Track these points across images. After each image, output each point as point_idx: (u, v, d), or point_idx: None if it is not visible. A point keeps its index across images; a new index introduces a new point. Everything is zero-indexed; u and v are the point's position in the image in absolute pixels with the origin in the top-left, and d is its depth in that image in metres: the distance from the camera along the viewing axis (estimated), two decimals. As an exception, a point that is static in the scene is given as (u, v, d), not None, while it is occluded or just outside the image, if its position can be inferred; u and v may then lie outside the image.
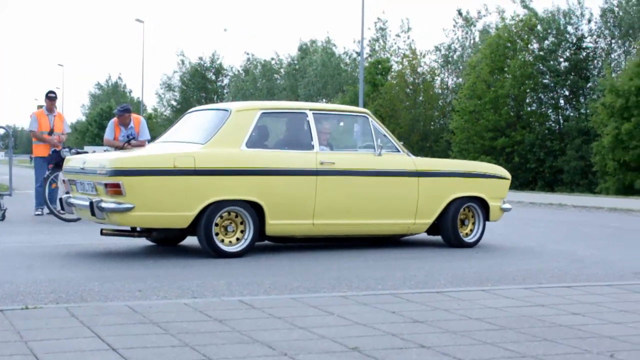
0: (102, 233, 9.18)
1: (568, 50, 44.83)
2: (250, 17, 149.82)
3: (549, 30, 44.55)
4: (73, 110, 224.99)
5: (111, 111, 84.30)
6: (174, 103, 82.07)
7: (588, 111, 42.33)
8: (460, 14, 54.04)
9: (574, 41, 44.76)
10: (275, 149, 9.21)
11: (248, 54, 76.18)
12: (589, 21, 45.55)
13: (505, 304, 5.69)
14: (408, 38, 56.58)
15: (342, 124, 10.32)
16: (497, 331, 4.83)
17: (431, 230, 10.09)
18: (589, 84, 43.90)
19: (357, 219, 9.42)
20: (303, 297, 5.89)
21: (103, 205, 8.21)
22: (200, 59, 79.90)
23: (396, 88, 50.62)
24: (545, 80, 44.70)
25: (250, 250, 8.64)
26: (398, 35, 56.91)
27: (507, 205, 10.61)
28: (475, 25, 54.17)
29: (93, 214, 8.39)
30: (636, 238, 12.65)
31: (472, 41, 54.11)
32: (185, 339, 4.47)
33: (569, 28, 45.07)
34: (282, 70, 70.99)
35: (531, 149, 42.57)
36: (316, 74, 61.64)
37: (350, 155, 9.73)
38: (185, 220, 8.38)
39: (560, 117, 45.85)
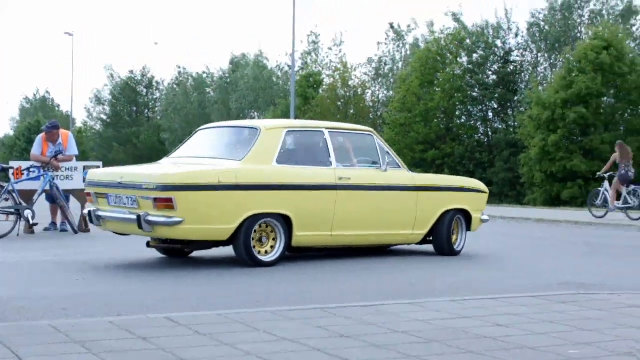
0: (148, 245, 9.96)
1: (496, 64, 45.55)
2: (181, 31, 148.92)
3: (478, 44, 45.24)
4: (1, 124, 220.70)
5: (39, 125, 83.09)
6: (104, 117, 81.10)
7: (516, 124, 43.06)
8: (392, 27, 54.49)
9: (502, 55, 45.51)
10: (299, 165, 9.85)
11: (179, 67, 75.56)
12: (517, 35, 46.41)
13: (432, 317, 5.73)
14: (340, 51, 56.85)
15: (351, 141, 10.83)
16: (423, 344, 4.86)
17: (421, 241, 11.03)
18: (517, 97, 44.66)
19: (368, 230, 10.28)
20: (230, 313, 5.84)
21: (151, 218, 8.66)
22: (131, 72, 79.11)
23: (327, 101, 50.80)
24: (474, 94, 45.34)
25: (280, 260, 9.29)
26: (330, 49, 57.16)
27: (485, 217, 11.69)
28: (405, 39, 54.68)
29: (140, 227, 8.74)
30: (562, 249, 12.88)
31: (403, 54, 54.59)
32: (108, 358, 4.41)
33: (497, 42, 45.82)
34: (213, 83, 70.68)
35: (461, 161, 43.11)
36: (248, 87, 61.54)
37: (362, 171, 10.45)
38: (227, 233, 8.97)
39: (489, 130, 46.55)
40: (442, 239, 10.89)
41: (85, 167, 14.46)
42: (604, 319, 5.75)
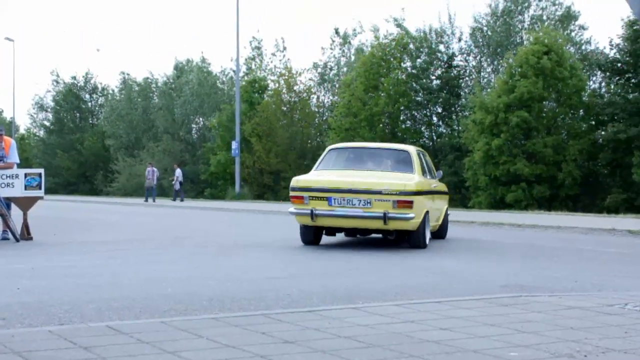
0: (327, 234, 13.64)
1: (440, 69, 45.96)
2: (124, 36, 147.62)
3: (421, 49, 45.58)
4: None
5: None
6: (47, 124, 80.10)
7: (460, 128, 43.46)
8: (337, 32, 54.64)
9: (446, 59, 45.91)
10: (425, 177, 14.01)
11: (123, 73, 74.95)
12: (460, 40, 46.86)
13: (375, 321, 5.74)
14: (284, 57, 56.88)
15: (426, 157, 15.24)
16: (366, 349, 4.86)
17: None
18: (460, 101, 45.09)
19: (433, 222, 13.94)
20: (173, 320, 5.80)
21: (392, 215, 12.12)
22: (74, 78, 78.24)
23: (272, 106, 50.79)
24: (419, 98, 45.69)
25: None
26: (274, 54, 57.17)
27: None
28: (350, 44, 54.86)
29: (385, 222, 12.14)
30: (506, 251, 13.00)
31: (348, 59, 54.78)
32: (49, 369, 4.34)
33: (441, 47, 46.22)
34: (157, 89, 70.18)
35: (406, 164, 43.41)
36: (192, 92, 61.24)
37: (434, 180, 14.68)
38: (423, 224, 12.79)
39: (433, 134, 46.94)
40: (443, 231, 15.26)
41: (26, 175, 14.29)
42: (545, 321, 5.82)
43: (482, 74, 47.66)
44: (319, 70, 55.25)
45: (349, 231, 13.32)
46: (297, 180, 12.88)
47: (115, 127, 68.98)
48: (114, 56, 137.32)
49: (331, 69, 55.42)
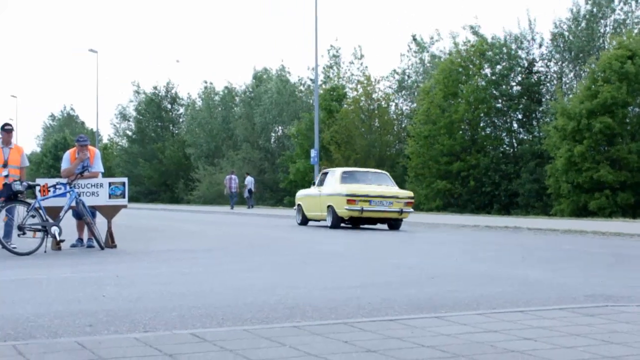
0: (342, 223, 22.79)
1: (520, 75, 45.38)
2: (204, 47, 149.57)
3: (501, 55, 45.07)
4: (27, 141, 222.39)
5: (66, 142, 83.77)
6: (129, 133, 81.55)
7: (541, 134, 42.82)
8: (414, 39, 54.46)
9: (526, 65, 45.32)
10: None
11: (206, 82, 75.89)
12: (540, 45, 46.19)
13: (458, 331, 5.68)
14: (362, 65, 56.91)
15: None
16: (449, 359, 4.82)
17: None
18: (542, 108, 44.44)
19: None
20: (255, 328, 5.83)
21: (405, 210, 21.85)
22: (155, 88, 79.55)
23: (351, 114, 50.81)
24: (499, 105, 45.19)
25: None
26: (352, 62, 57.24)
27: None
28: (428, 51, 54.59)
29: (400, 214, 21.85)
30: (589, 260, 12.77)
31: (425, 67, 54.52)
32: (135, 375, 4.40)
33: (521, 53, 45.65)
34: (237, 98, 70.84)
35: (486, 172, 42.93)
36: (271, 101, 61.64)
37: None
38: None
39: (514, 141, 46.35)
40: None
41: (110, 184, 14.56)
42: (633, 332, 5.68)
43: (563, 79, 46.89)
44: (397, 77, 55.11)
45: (375, 221, 22.65)
46: (348, 191, 21.89)
47: (196, 135, 69.83)
48: (194, 66, 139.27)
49: (409, 76, 55.24)
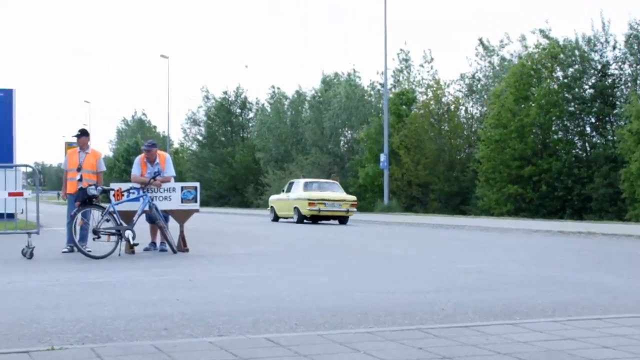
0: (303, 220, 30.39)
1: (593, 77, 44.60)
2: (273, 53, 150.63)
3: (573, 58, 44.37)
4: (101, 146, 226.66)
5: (138, 146, 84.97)
6: (200, 138, 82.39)
7: (615, 138, 42.02)
8: (481, 43, 53.99)
9: (599, 68, 44.53)
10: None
11: (273, 87, 76.23)
12: (614, 48, 45.30)
13: (534, 338, 5.60)
14: (431, 68, 56.61)
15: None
16: (527, 366, 4.75)
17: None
18: (615, 111, 43.60)
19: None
20: (329, 333, 5.82)
21: (350, 209, 29.60)
22: (225, 93, 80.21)
23: (421, 118, 50.57)
24: (571, 108, 44.46)
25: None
26: (422, 66, 57.00)
27: None
28: (497, 54, 54.05)
29: (347, 212, 29.61)
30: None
31: (495, 70, 53.97)
32: (211, 379, 4.43)
33: (594, 55, 44.86)
34: (306, 102, 71.04)
35: (558, 176, 42.29)
36: (340, 105, 61.64)
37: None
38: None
39: (587, 145, 45.53)
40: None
41: (183, 188, 14.73)
42: None
43: (638, 82, 45.95)
44: (467, 81, 54.69)
45: (329, 218, 30.11)
46: (308, 197, 29.56)
47: (265, 140, 70.20)
48: (263, 71, 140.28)
49: (479, 80, 54.78)
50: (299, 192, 30.33)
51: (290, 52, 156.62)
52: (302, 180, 31.92)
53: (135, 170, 14.85)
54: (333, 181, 33.48)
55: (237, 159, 74.53)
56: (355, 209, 30.20)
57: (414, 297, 8.27)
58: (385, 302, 7.85)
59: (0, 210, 18.14)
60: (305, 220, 29.98)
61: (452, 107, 51.81)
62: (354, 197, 30.88)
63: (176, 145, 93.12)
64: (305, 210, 29.38)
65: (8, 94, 28.09)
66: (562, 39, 45.31)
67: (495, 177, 43.74)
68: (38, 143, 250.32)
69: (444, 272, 10.95)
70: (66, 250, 14.22)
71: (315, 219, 30.00)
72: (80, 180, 14.25)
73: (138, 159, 15.03)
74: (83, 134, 14.93)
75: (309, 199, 29.26)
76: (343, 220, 29.80)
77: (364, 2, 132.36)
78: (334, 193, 30.35)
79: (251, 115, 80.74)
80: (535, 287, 9.23)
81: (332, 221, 30.44)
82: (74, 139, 15.45)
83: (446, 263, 12.52)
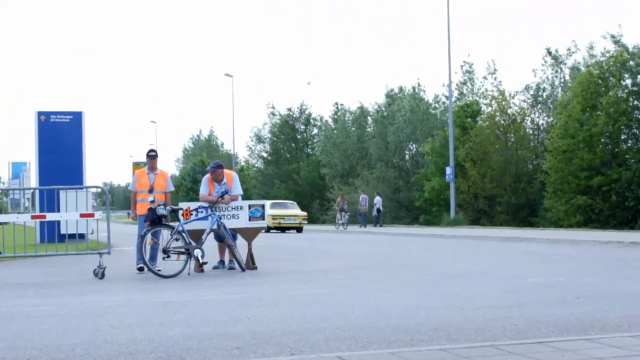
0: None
1: (663, 84, 43.74)
2: (335, 69, 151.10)
3: (643, 65, 43.57)
4: (167, 165, 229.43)
5: (203, 165, 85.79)
6: (265, 155, 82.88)
7: (686, 145, 41.15)
8: (549, 53, 53.35)
9: (670, 74, 43.66)
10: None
11: (337, 103, 76.37)
12: (685, 54, 44.38)
13: (612, 354, 5.49)
14: (495, 79, 56.15)
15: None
16: (605, 384, 4.66)
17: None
18: (687, 118, 42.69)
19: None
20: (401, 351, 5.79)
21: (303, 222, 41.80)
22: (289, 110, 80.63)
23: (486, 130, 50.16)
24: (640, 116, 43.66)
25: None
26: (485, 78, 56.58)
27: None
28: (565, 64, 53.37)
29: (300, 224, 41.57)
30: None
31: (562, 80, 53.30)
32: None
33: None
34: (369, 117, 71.01)
35: (629, 186, 41.49)
36: (405, 119, 61.48)
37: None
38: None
39: (658, 153, 44.63)
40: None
41: (250, 206, 14.81)
42: None
43: None
44: (532, 92, 54.09)
45: (289, 229, 41.01)
46: (272, 213, 39.62)
47: (330, 156, 70.30)
48: (326, 87, 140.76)
49: (544, 90, 54.14)
50: (267, 210, 36.76)
51: (353, 67, 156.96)
52: (270, 202, 42.40)
53: (203, 190, 14.97)
54: (291, 202, 46.95)
55: (302, 175, 74.78)
56: (306, 222, 42.75)
57: (485, 312, 8.17)
58: (456, 318, 7.78)
59: (71, 231, 18.47)
60: (271, 230, 40.62)
61: (517, 118, 51.30)
62: (304, 213, 43.21)
63: (242, 162, 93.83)
64: (270, 223, 39.71)
65: (77, 116, 28.64)
66: (632, 46, 44.56)
67: (564, 188, 43.11)
68: (105, 163, 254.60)
69: (514, 286, 10.80)
70: (139, 269, 14.33)
71: (278, 229, 41.33)
72: (153, 201, 14.42)
73: (205, 179, 15.16)
74: (152, 155, 15.11)
75: (273, 215, 40.30)
76: (299, 230, 41.47)
77: (425, 16, 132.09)
78: (291, 210, 42.66)
79: (315, 131, 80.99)
80: (610, 300, 9.06)
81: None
82: (142, 159, 15.64)
83: (516, 277, 12.36)
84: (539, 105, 53.86)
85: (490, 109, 52.69)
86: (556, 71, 53.79)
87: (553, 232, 23.70)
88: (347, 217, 47.09)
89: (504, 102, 51.40)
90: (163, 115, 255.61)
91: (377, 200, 49.85)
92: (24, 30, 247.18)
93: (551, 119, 50.58)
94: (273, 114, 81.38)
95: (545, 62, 53.63)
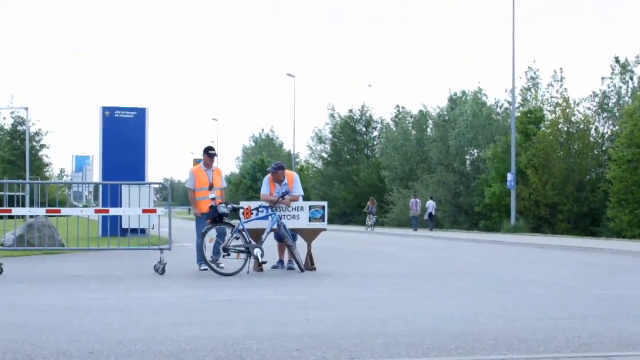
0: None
1: None
2: (398, 72, 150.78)
3: None
4: (228, 163, 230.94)
5: (263, 164, 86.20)
6: (325, 155, 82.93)
7: None
8: (617, 61, 52.51)
9: None
10: None
11: (398, 107, 76.10)
12: None
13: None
14: (561, 87, 55.45)
15: None
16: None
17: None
18: None
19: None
20: (462, 360, 5.73)
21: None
22: (351, 111, 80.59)
23: (550, 137, 49.56)
24: None
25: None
26: (551, 85, 55.92)
27: None
28: (633, 72, 52.46)
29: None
30: None
31: (630, 88, 52.41)
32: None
33: None
34: (430, 121, 70.60)
35: (695, 197, 40.72)
36: (467, 124, 61.00)
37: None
38: None
39: None
40: None
41: (311, 207, 14.83)
42: None
43: None
44: (597, 100, 53.30)
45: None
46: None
47: (391, 159, 70.07)
48: (388, 90, 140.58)
49: (611, 98, 53.31)
50: None
51: (414, 71, 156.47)
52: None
53: (264, 190, 15.03)
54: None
55: (362, 177, 74.65)
56: None
57: (547, 323, 8.06)
58: (517, 328, 7.68)
59: (133, 226, 18.69)
60: None
61: (582, 126, 50.60)
62: None
63: (303, 162, 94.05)
64: None
65: (142, 113, 28.99)
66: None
67: (628, 199, 42.42)
68: (166, 159, 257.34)
69: (577, 298, 10.64)
70: (204, 268, 14.19)
71: None
72: (214, 199, 14.51)
73: (267, 179, 15.21)
74: (212, 154, 15.22)
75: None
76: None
77: (490, 22, 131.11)
78: None
79: (375, 133, 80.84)
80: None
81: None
82: (201, 156, 15.73)
83: (578, 287, 12.17)
84: (605, 114, 53.07)
85: (554, 116, 52.06)
86: (624, 80, 52.94)
87: (616, 242, 23.32)
88: (374, 219, 47.22)
89: (568, 110, 50.74)
90: (225, 114, 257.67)
91: (430, 204, 49.74)
92: (94, 26, 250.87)
93: (616, 127, 49.81)
94: (334, 115, 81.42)
95: (614, 70, 52.81)
